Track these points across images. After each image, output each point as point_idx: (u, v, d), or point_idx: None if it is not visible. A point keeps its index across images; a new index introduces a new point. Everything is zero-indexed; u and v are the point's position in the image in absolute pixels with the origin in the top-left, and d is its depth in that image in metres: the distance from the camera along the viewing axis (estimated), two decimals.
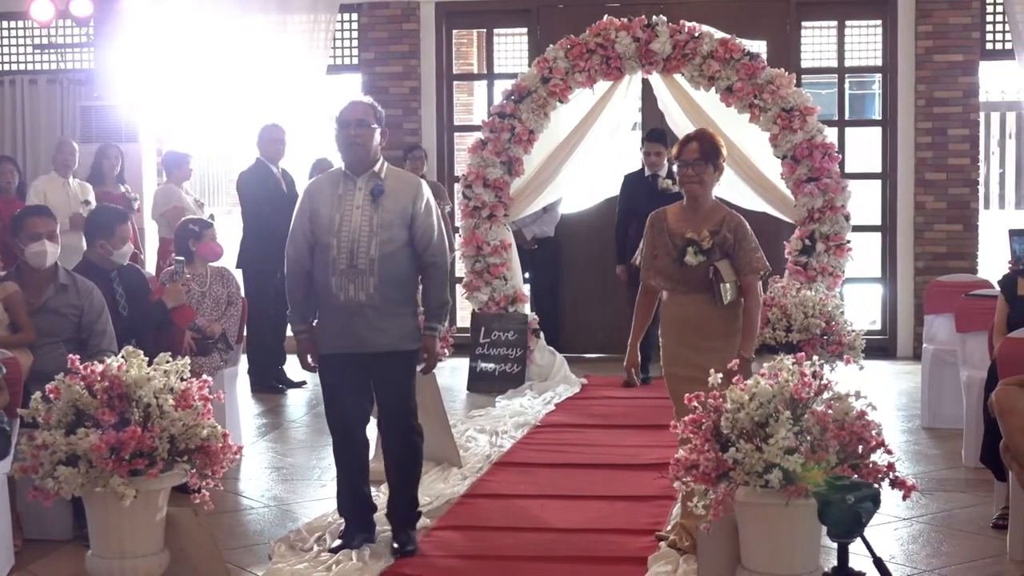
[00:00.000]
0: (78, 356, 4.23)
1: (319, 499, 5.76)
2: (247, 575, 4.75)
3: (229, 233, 8.76)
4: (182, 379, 4.17)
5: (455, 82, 10.88)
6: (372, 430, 5.03)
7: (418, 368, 4.95)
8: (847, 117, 10.64)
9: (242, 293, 7.19)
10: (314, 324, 4.91)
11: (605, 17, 8.70)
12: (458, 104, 11.53)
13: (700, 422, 3.87)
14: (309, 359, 4.91)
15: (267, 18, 10.15)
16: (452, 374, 8.98)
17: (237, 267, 8.32)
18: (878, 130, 10.28)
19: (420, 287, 4.97)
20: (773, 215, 8.70)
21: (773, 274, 7.07)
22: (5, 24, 10.86)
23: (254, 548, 5.09)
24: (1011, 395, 4.60)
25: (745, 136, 8.52)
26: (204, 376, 4.28)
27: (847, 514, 3.35)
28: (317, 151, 9.42)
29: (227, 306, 6.83)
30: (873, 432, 3.73)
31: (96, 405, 4.02)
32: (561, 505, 5.57)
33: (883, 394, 8.09)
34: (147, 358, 4.16)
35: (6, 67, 10.83)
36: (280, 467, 6.55)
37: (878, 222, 10.20)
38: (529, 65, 9.28)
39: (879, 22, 10.11)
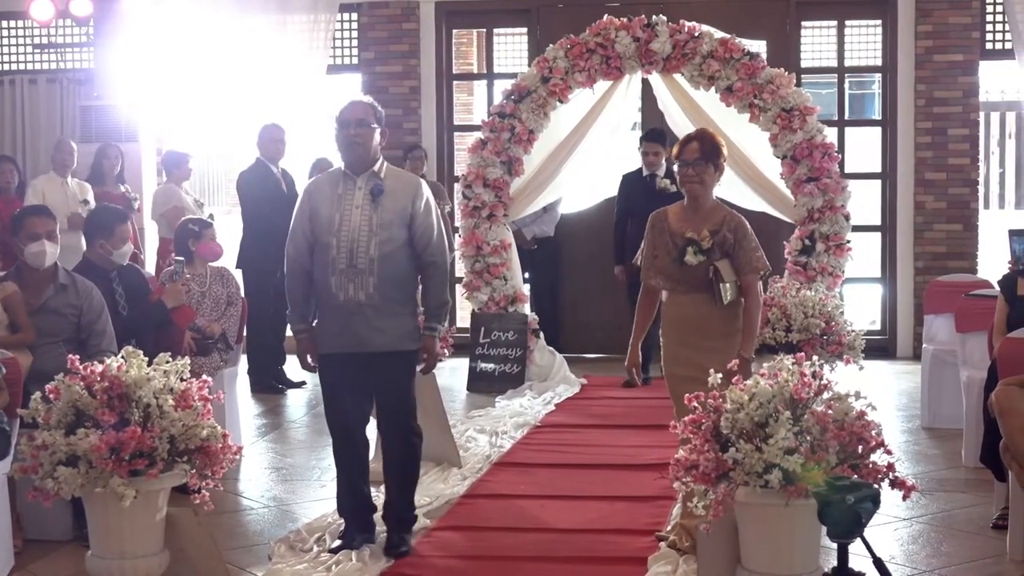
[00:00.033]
0: (78, 356, 4.23)
1: (319, 499, 5.76)
2: (247, 575, 4.75)
3: (229, 233, 8.76)
4: (182, 379, 4.17)
5: (455, 82, 10.88)
6: (372, 430, 5.03)
7: (418, 368, 4.95)
8: (847, 117, 10.64)
9: (242, 293, 7.18)
10: (314, 324, 4.91)
11: (605, 17, 8.70)
12: (458, 104, 11.53)
13: (700, 422, 3.87)
14: (309, 359, 4.91)
15: (267, 18, 10.14)
16: (452, 374, 8.98)
17: (237, 267, 8.32)
18: (878, 130, 10.28)
19: (420, 287, 4.97)
20: (773, 215, 8.70)
21: (773, 274, 7.07)
22: (5, 24, 10.85)
23: (254, 548, 5.09)
24: (1011, 395, 4.60)
25: (745, 136, 8.52)
26: (204, 376, 4.28)
27: (847, 514, 3.35)
28: (317, 151, 9.42)
29: (227, 306, 6.83)
30: (873, 432, 3.73)
31: (96, 405, 4.02)
32: (561, 505, 5.57)
33: (883, 394, 8.09)
34: (147, 358, 4.16)
35: (6, 67, 10.83)
36: (280, 467, 6.55)
37: (878, 222, 10.20)
38: (529, 65, 9.27)
39: (879, 22, 10.11)
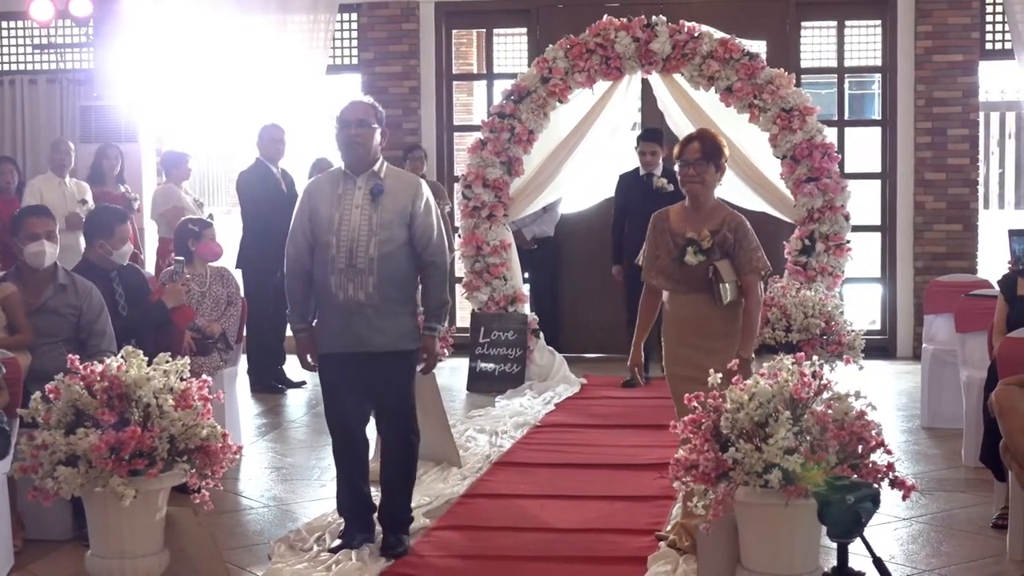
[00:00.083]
0: (77, 356, 4.23)
1: (319, 499, 5.76)
2: (247, 575, 4.75)
3: (229, 233, 8.77)
4: (182, 379, 4.17)
5: (455, 82, 10.88)
6: (372, 430, 5.03)
7: (418, 368, 4.95)
8: (847, 117, 10.64)
9: (242, 293, 7.19)
10: (313, 324, 4.91)
11: (605, 17, 8.70)
12: (458, 104, 11.53)
13: (700, 422, 3.87)
14: (308, 358, 4.91)
15: (267, 18, 10.15)
16: (452, 374, 8.98)
17: (237, 267, 8.32)
18: (878, 130, 10.28)
19: (420, 287, 4.97)
20: (773, 215, 8.70)
21: (773, 274, 7.06)
22: (5, 24, 10.86)
23: (254, 548, 5.09)
24: (1011, 395, 4.60)
25: (745, 136, 8.52)
26: (204, 376, 4.28)
27: (847, 514, 3.36)
28: (317, 151, 9.42)
29: (227, 306, 6.83)
30: (873, 432, 3.73)
31: (96, 405, 4.02)
32: (561, 505, 5.57)
33: (883, 394, 8.09)
34: (147, 358, 4.16)
35: (6, 67, 10.83)
36: (280, 467, 6.55)
37: (878, 222, 10.20)
38: (529, 65, 9.28)
39: (879, 22, 10.11)
